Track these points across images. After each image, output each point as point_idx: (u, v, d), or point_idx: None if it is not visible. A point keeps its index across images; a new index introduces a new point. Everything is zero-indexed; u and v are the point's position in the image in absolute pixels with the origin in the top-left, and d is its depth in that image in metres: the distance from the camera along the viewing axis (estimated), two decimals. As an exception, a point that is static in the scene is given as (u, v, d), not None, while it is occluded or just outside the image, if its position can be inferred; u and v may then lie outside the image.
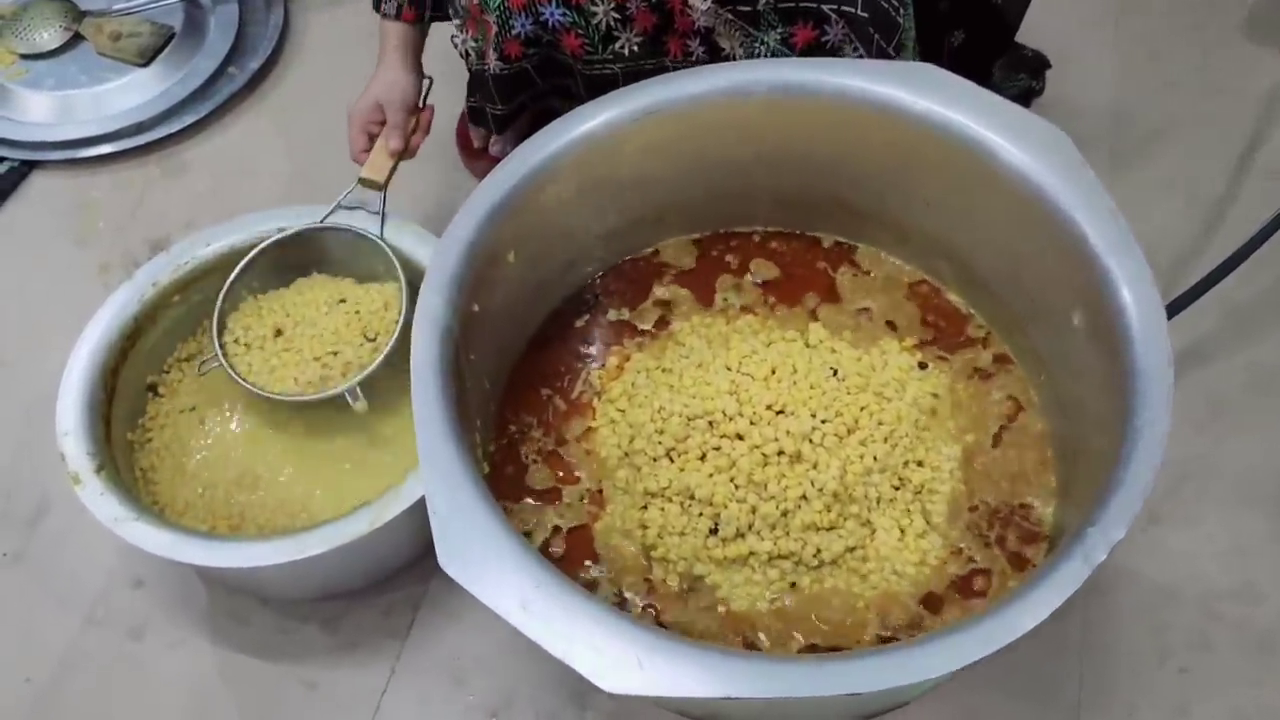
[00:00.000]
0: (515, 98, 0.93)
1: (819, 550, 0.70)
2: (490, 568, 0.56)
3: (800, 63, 0.77)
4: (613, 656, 0.53)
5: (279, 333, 0.89)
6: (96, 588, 0.93)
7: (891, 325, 0.83)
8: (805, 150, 0.81)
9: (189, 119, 1.24)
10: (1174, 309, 0.94)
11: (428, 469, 0.59)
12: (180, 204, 1.20)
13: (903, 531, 0.72)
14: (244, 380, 0.87)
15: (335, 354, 0.87)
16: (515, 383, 0.80)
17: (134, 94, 1.26)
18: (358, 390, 0.84)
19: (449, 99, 1.00)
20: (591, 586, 0.71)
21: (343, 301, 0.89)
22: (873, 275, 0.85)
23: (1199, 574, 0.91)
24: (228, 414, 0.94)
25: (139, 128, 1.23)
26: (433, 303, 0.66)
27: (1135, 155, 1.17)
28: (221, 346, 0.89)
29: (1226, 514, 0.93)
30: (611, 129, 0.75)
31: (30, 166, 1.23)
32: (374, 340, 0.88)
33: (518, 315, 0.79)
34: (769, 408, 0.73)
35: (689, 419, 0.74)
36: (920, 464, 0.75)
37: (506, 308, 0.76)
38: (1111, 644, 0.88)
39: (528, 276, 0.77)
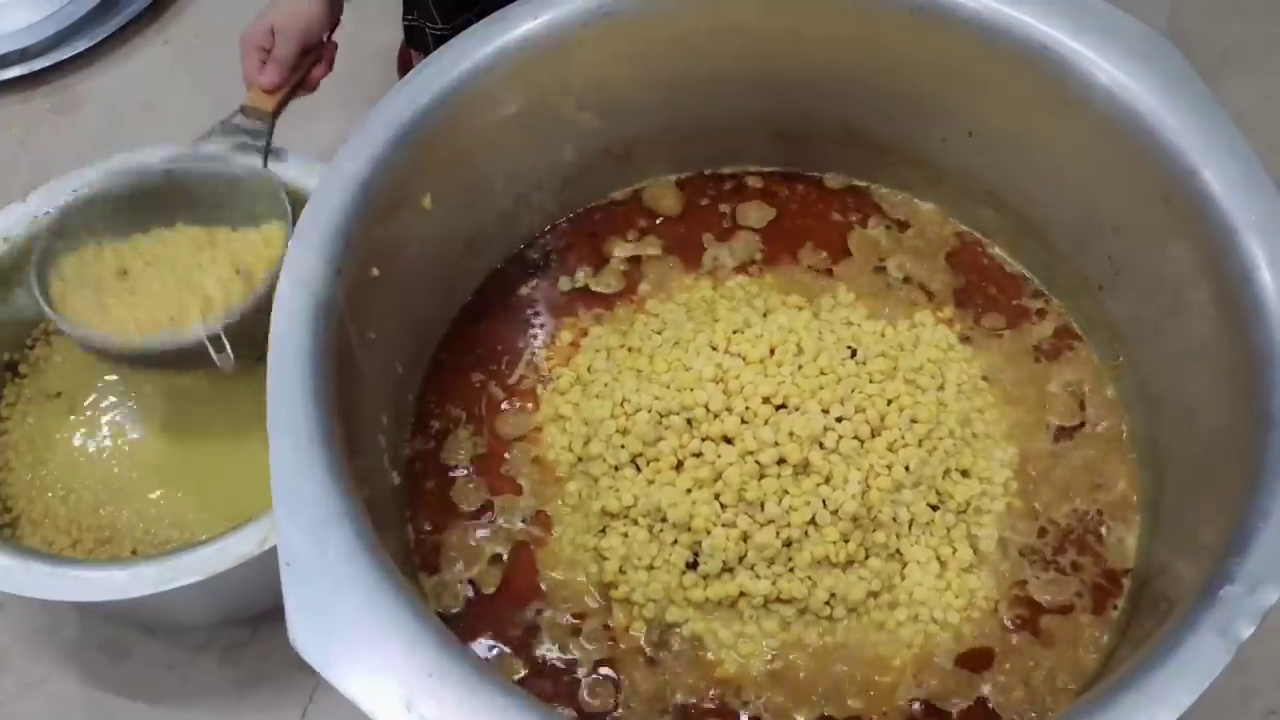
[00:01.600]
0: (458, 15, 0.81)
1: (833, 595, 0.53)
2: (366, 648, 0.39)
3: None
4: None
5: (124, 274, 0.68)
6: (-59, 615, 0.76)
7: (925, 290, 0.65)
8: (813, 65, 0.63)
9: (82, 45, 1.06)
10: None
11: (281, 503, 0.41)
12: (71, 145, 1.02)
13: (943, 565, 0.55)
14: (60, 318, 0.65)
15: (194, 292, 0.66)
16: (442, 365, 0.63)
17: (18, 13, 1.07)
18: (222, 338, 0.63)
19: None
20: (529, 636, 0.54)
21: (213, 245, 0.70)
22: (900, 226, 0.68)
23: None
24: (99, 402, 0.76)
25: (23, 54, 1.05)
26: (307, 264, 0.48)
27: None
28: (45, 288, 0.67)
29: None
30: (557, 33, 0.57)
31: (-101, 98, 1.05)
32: (247, 275, 0.67)
33: (441, 279, 0.61)
34: (767, 401, 0.56)
35: (661, 415, 0.56)
36: (965, 474, 0.57)
37: (423, 269, 0.58)
38: (1183, 681, 0.72)
39: (452, 228, 0.59)
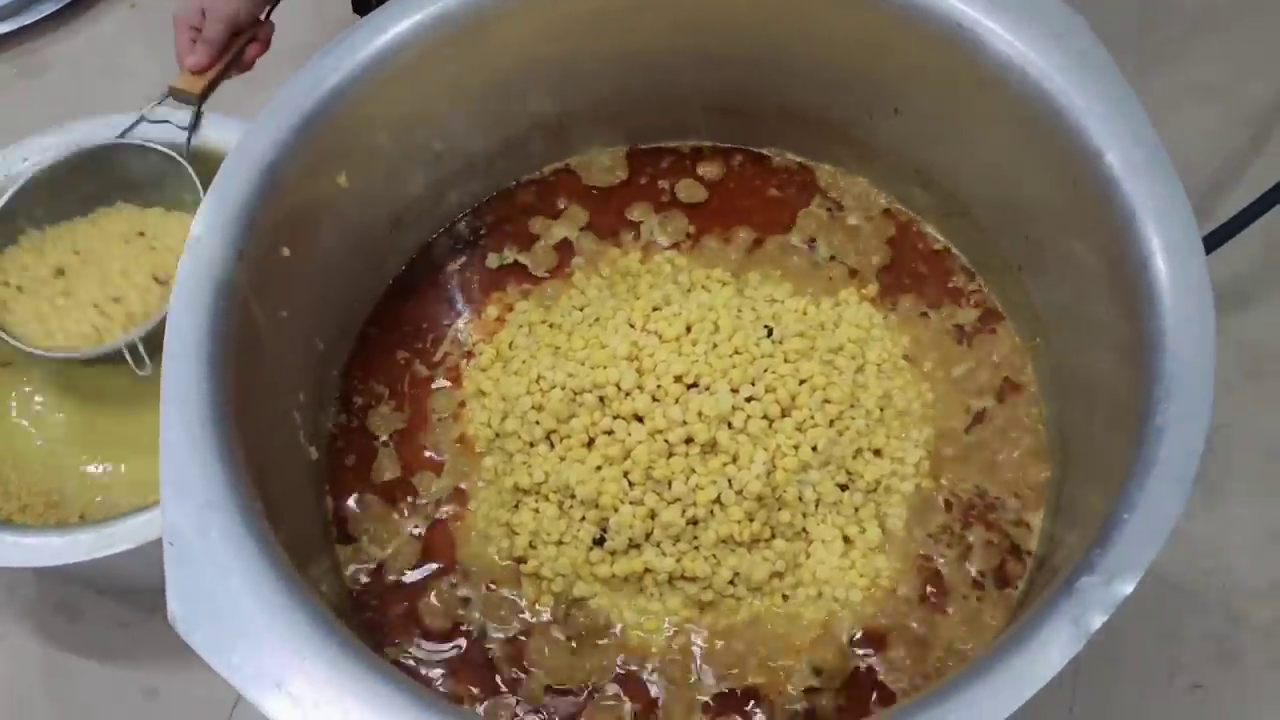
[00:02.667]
0: None
1: (736, 574, 0.54)
2: (242, 629, 0.40)
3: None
4: (397, 763, 0.37)
5: (61, 273, 0.71)
6: (-96, 573, 0.79)
7: (852, 269, 0.65)
8: (744, 40, 0.62)
9: (49, 9, 1.06)
10: (1209, 243, 0.76)
11: (168, 485, 0.42)
12: (37, 111, 1.02)
13: (849, 545, 0.55)
14: (2, 332, 0.70)
15: (118, 301, 0.70)
16: (369, 341, 0.63)
17: (-16, -24, 1.07)
18: (139, 347, 0.67)
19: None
20: (441, 609, 0.55)
21: (141, 235, 0.71)
22: (833, 204, 0.67)
23: (1222, 568, 0.75)
24: (43, 374, 0.78)
25: (-11, 17, 1.05)
26: (206, 247, 0.48)
27: (1166, 54, 0.98)
28: None
29: (1259, 496, 0.77)
30: (475, 10, 0.56)
31: None
32: (165, 283, 0.71)
33: (366, 256, 0.62)
34: (678, 380, 0.56)
35: (575, 393, 0.57)
36: (878, 454, 0.58)
37: (345, 248, 0.59)
38: (1115, 655, 0.73)
39: (374, 206, 0.60)
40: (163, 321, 0.64)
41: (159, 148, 0.70)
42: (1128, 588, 0.39)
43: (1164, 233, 0.47)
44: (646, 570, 0.54)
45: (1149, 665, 0.72)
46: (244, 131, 0.51)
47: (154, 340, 0.68)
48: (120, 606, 0.77)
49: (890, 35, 0.57)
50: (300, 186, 0.53)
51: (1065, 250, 0.54)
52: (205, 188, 0.68)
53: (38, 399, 0.77)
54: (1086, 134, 0.50)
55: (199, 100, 0.70)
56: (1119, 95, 0.50)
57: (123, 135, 0.71)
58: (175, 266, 0.68)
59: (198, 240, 0.48)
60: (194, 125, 0.70)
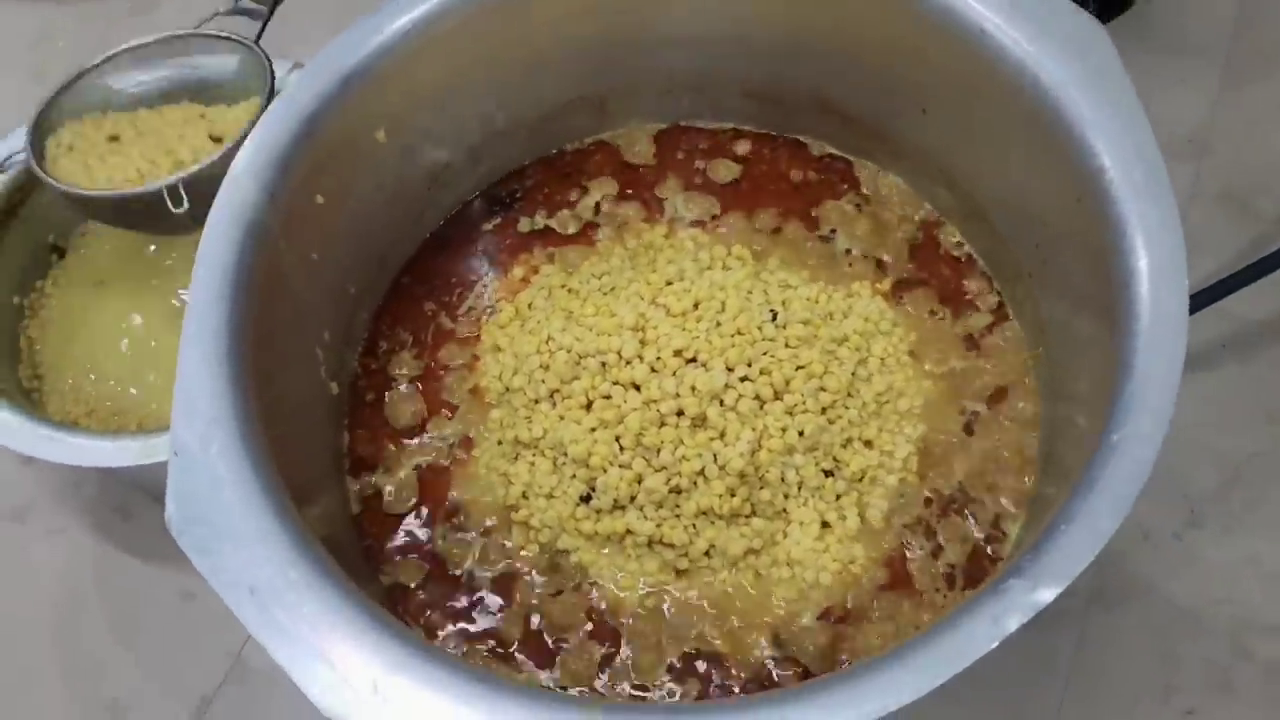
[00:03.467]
0: None
1: (712, 546, 0.56)
2: (227, 536, 0.44)
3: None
4: (343, 673, 0.41)
5: (115, 138, 0.75)
6: (-15, 461, 0.86)
7: (873, 262, 0.66)
8: (776, 31, 0.63)
9: (162, -51, 1.12)
10: (1267, 266, 0.74)
11: (180, 403, 0.47)
12: (145, 44, 1.09)
13: (826, 528, 0.57)
14: (44, 173, 0.71)
15: (169, 153, 0.72)
16: (401, 290, 0.67)
17: (107, -82, 1.14)
18: (180, 190, 0.67)
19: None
20: (434, 544, 0.59)
21: (203, 118, 0.76)
22: (862, 197, 0.68)
23: (1235, 598, 0.74)
24: (135, 295, 0.84)
25: (111, -45, 1.12)
26: (241, 188, 0.52)
27: (1257, 69, 0.95)
28: (39, 148, 0.74)
29: (1284, 530, 0.76)
30: (514, -15, 0.59)
31: (-6, -8, 1.13)
32: (220, 140, 0.73)
33: (403, 209, 0.65)
34: (678, 354, 0.59)
35: (580, 356, 0.60)
36: (869, 445, 0.59)
37: (380, 198, 0.63)
38: (1108, 670, 0.73)
39: (410, 163, 0.63)
40: (210, 168, 0.67)
41: (234, 36, 0.74)
42: (1049, 596, 0.40)
43: (1151, 254, 0.47)
44: (628, 531, 0.57)
45: (1143, 685, 0.72)
46: (293, 80, 0.55)
47: (198, 191, 0.67)
48: (170, 513, 0.84)
49: (919, 37, 0.58)
50: (338, 138, 0.57)
51: (1066, 262, 0.55)
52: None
53: (135, 317, 0.84)
54: (1091, 148, 0.51)
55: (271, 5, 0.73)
56: (1128, 112, 0.50)
57: (198, 26, 0.75)
58: (234, 132, 0.72)
59: (234, 180, 0.52)
60: (268, 19, 0.73)
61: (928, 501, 0.58)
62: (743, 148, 0.71)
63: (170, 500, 0.45)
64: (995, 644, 0.40)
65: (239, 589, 0.43)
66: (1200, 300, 0.73)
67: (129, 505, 0.84)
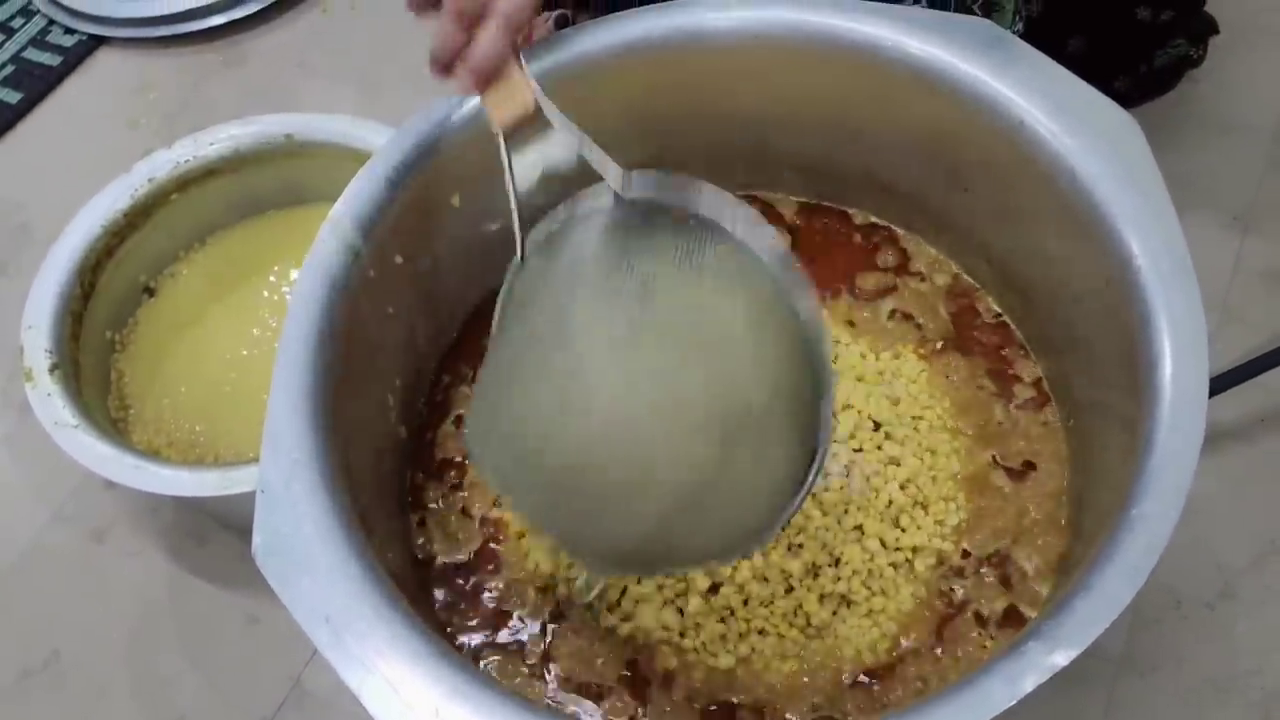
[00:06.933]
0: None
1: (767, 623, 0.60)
2: (306, 568, 0.49)
3: (829, 4, 0.63)
4: (407, 698, 0.45)
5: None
6: (71, 483, 0.92)
7: (914, 329, 0.69)
8: (828, 112, 0.67)
9: (253, 8, 1.20)
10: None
11: (268, 443, 0.51)
12: (233, 96, 1.16)
13: (874, 609, 0.60)
14: None
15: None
16: (465, 337, 0.72)
17: (201, -22, 1.22)
18: None
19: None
20: (483, 585, 0.63)
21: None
22: (906, 267, 0.72)
23: (1266, 669, 0.75)
24: (214, 336, 0.90)
25: (205, 11, 1.19)
26: (327, 248, 0.57)
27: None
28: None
29: (1320, 604, 0.77)
30: (588, 62, 0.64)
31: (98, 42, 1.21)
32: None
33: (471, 267, 0.70)
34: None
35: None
36: (925, 510, 0.62)
37: (452, 257, 0.67)
38: (1131, 736, 0.74)
39: (482, 226, 0.68)
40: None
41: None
42: (1065, 659, 0.43)
43: (1174, 338, 0.50)
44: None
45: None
46: (379, 148, 0.60)
47: None
48: (241, 542, 0.88)
49: (960, 124, 0.61)
50: (417, 204, 0.62)
51: (1098, 342, 0.57)
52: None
53: (214, 356, 0.89)
54: (1123, 238, 0.54)
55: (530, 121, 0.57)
56: (1158, 204, 0.53)
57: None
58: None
59: (322, 242, 0.57)
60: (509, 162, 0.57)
61: (960, 569, 0.61)
62: (792, 214, 0.75)
63: (257, 533, 0.49)
64: (1012, 703, 0.42)
65: (316, 617, 0.47)
66: (1239, 375, 0.76)
67: (203, 531, 0.89)
